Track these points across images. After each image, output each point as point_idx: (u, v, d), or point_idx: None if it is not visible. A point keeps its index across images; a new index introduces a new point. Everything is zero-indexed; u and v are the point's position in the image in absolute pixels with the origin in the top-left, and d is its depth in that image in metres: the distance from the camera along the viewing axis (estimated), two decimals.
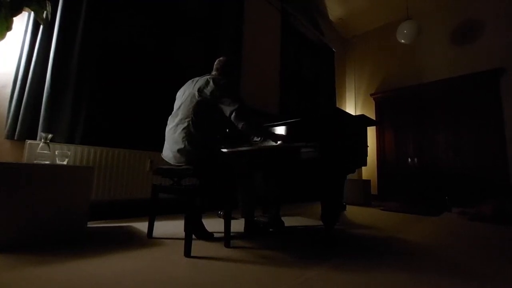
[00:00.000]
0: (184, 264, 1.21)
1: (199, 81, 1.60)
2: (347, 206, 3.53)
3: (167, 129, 1.61)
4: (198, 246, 1.47)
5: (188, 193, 1.39)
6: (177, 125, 1.51)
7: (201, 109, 1.50)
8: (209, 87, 1.53)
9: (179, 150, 1.46)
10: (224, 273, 1.11)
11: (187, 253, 1.29)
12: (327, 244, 1.63)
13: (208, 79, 1.58)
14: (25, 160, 1.78)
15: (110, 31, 2.36)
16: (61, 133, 1.96)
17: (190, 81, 1.68)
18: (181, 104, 1.57)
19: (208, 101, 1.51)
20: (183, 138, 1.46)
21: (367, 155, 1.98)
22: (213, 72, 1.75)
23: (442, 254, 1.51)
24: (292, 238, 1.79)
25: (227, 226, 1.51)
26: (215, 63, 1.77)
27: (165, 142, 1.60)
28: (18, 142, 1.85)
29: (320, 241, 1.70)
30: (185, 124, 1.47)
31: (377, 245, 1.66)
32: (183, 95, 1.61)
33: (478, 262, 1.39)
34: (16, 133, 1.80)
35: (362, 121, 1.99)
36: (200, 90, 1.53)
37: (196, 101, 1.51)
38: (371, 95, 5.19)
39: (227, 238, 1.50)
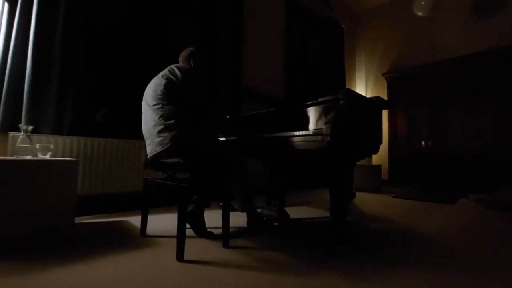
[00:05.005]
0: (175, 270, 1.08)
1: (162, 72, 1.49)
2: (356, 193, 3.36)
3: (144, 130, 1.46)
4: (194, 246, 1.34)
5: (179, 190, 1.23)
6: (152, 112, 1.38)
7: (170, 91, 1.38)
8: (174, 73, 1.43)
9: (159, 132, 1.33)
10: (219, 282, 0.98)
11: (180, 257, 1.16)
12: (336, 242, 1.48)
13: (172, 66, 1.48)
14: (9, 153, 1.66)
15: (97, 11, 2.13)
16: (47, 124, 1.82)
17: (148, 84, 1.53)
18: (147, 102, 1.44)
19: (175, 82, 1.40)
20: (159, 117, 1.34)
21: (381, 142, 1.78)
22: (180, 62, 1.65)
23: (468, 254, 1.34)
24: (298, 234, 1.65)
25: (225, 223, 1.37)
26: (182, 52, 1.67)
27: (146, 141, 1.44)
28: (1, 134, 1.72)
29: (329, 237, 1.55)
30: (159, 106, 1.36)
31: (392, 243, 1.50)
32: (148, 95, 1.46)
33: (508, 262, 1.22)
34: None
35: (376, 104, 1.78)
36: (164, 76, 1.42)
37: (163, 84, 1.39)
38: (383, 74, 4.88)
39: (226, 237, 1.37)
